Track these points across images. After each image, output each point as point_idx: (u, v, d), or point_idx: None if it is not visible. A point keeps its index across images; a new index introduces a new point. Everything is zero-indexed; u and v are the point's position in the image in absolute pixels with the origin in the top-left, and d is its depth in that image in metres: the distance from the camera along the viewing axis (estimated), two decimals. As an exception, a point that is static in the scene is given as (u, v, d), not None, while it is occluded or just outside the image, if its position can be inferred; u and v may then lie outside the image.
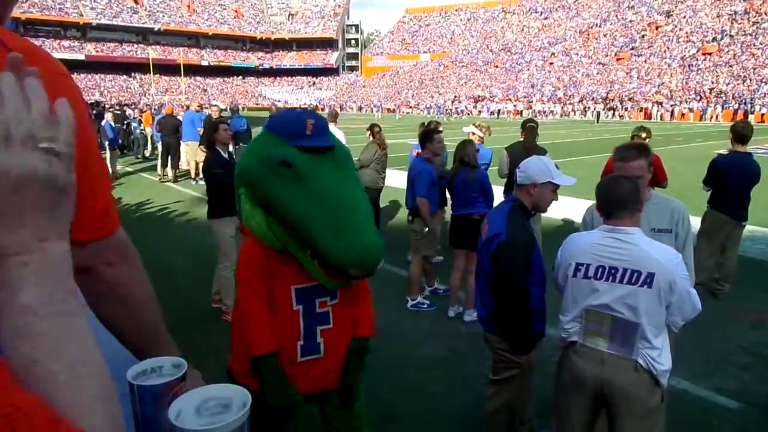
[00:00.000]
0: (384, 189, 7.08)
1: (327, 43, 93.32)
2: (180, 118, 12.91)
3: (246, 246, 1.92)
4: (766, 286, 5.74)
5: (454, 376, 3.89)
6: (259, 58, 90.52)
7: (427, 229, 4.95)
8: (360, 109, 63.27)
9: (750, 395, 3.66)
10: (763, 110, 40.77)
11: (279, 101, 72.40)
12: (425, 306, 5.17)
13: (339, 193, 1.71)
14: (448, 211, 5.37)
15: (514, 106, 56.93)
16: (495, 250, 2.46)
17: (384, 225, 7.87)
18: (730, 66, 50.84)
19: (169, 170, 12.76)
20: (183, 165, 13.29)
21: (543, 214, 6.29)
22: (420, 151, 5.23)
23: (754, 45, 51.99)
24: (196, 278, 5.81)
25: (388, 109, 65.32)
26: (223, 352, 4.24)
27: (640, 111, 47.44)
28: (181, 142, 12.55)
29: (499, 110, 55.79)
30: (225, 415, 0.82)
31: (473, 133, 6.02)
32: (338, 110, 10.69)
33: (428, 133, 5.05)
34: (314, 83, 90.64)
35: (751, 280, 5.81)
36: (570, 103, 54.30)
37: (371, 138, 6.90)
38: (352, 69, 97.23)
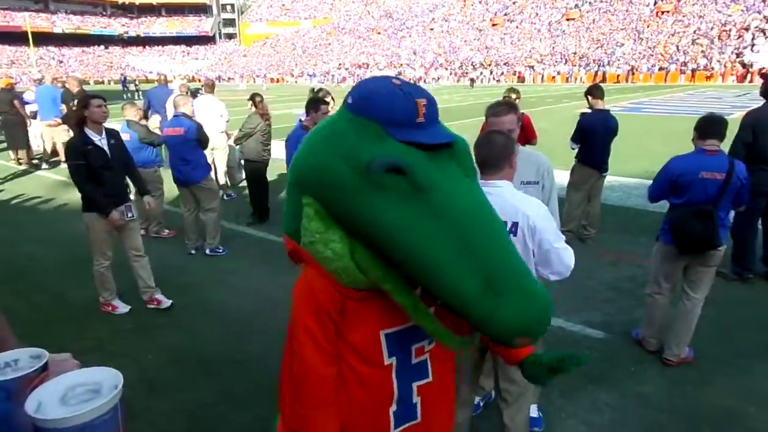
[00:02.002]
0: (271, 161, 6.92)
1: (200, 9, 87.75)
2: (30, 93, 11.43)
3: (306, 280, 1.33)
4: (622, 228, 6.46)
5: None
6: (123, 25, 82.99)
7: None
8: (241, 77, 60.82)
9: (613, 325, 4.14)
10: (618, 71, 45.11)
11: (151, 72, 67.19)
12: None
13: (481, 217, 1.17)
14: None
15: (401, 72, 57.75)
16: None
17: (274, 197, 7.71)
18: (590, 30, 55.39)
19: (22, 153, 11.30)
20: (39, 146, 11.83)
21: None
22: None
23: (610, 11, 56.95)
24: (68, 272, 5.35)
25: (273, 79, 63.33)
26: (106, 345, 4.05)
27: (515, 75, 50.36)
28: (29, 120, 11.10)
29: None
30: (94, 401, 0.77)
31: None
32: (214, 81, 10.08)
33: (315, 102, 4.98)
34: (189, 53, 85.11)
35: (610, 224, 6.50)
36: (451, 69, 56.14)
37: (253, 108, 6.67)
38: (230, 37, 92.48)
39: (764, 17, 45.08)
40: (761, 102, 4.75)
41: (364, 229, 1.18)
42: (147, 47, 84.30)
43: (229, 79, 65.71)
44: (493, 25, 64.79)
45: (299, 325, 1.33)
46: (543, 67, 50.66)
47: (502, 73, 51.49)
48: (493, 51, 58.40)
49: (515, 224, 2.07)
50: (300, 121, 5.05)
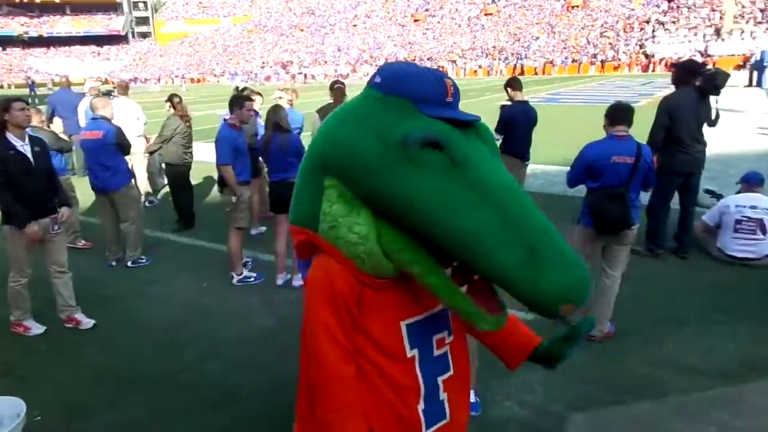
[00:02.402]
0: (193, 164, 6.66)
1: (109, 7, 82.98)
2: None
3: (322, 269, 1.25)
4: (546, 214, 6.71)
5: (287, 344, 3.88)
6: (23, 25, 76.98)
7: (235, 198, 4.80)
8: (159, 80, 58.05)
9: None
10: (535, 64, 47.07)
11: (57, 75, 62.85)
12: (252, 279, 5.05)
13: (516, 190, 1.15)
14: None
15: (334, 70, 57.27)
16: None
17: (199, 202, 7.43)
18: (507, 25, 57.39)
19: None
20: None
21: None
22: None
23: (524, 6, 59.25)
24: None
25: (193, 80, 61.03)
26: (16, 369, 3.73)
27: (439, 69, 51.28)
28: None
29: (305, 75, 55.52)
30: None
31: (281, 98, 5.92)
32: (128, 83, 9.56)
33: (238, 99, 4.86)
34: (99, 53, 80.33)
35: (536, 210, 6.76)
36: (377, 65, 56.37)
37: (172, 110, 6.38)
38: (145, 36, 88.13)
39: (662, 11, 48.55)
40: (667, 89, 5.09)
41: (396, 206, 1.14)
42: (52, 48, 78.65)
43: (145, 80, 62.63)
44: (415, 20, 65.67)
45: (316, 321, 1.24)
46: (465, 61, 51.97)
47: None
48: (416, 46, 59.22)
49: None
50: (225, 120, 4.90)
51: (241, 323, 4.25)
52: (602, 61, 44.30)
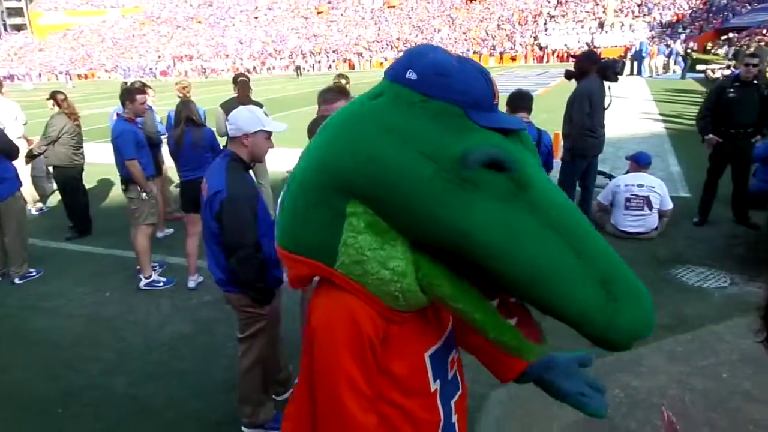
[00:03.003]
0: (86, 166, 6.16)
1: (-25, -4, 74.52)
2: None
3: (341, 311, 1.04)
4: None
5: (203, 348, 3.73)
6: None
7: (145, 194, 4.54)
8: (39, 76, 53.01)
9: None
10: (438, 56, 48.30)
11: None
12: (161, 284, 4.77)
13: (576, 210, 1.00)
14: (175, 178, 4.96)
15: (233, 63, 55.24)
16: (218, 208, 2.37)
17: (95, 206, 6.90)
18: (410, 17, 58.42)
19: None
20: None
21: (270, 169, 6.41)
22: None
23: (425, -1, 60.56)
24: None
25: (81, 76, 56.54)
26: None
27: (345, 62, 51.24)
28: None
29: (205, 69, 53.24)
30: None
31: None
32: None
33: (129, 92, 4.59)
34: (-34, 47, 72.11)
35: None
36: (282, 58, 55.24)
37: (56, 108, 5.85)
38: (18, 28, 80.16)
39: (552, 5, 51.62)
40: (560, 79, 5.39)
41: (449, 238, 0.95)
42: None
43: (24, 76, 57.04)
44: (318, 13, 65.03)
45: (336, 373, 1.04)
46: (371, 53, 52.29)
47: (334, 61, 52.07)
48: (321, 39, 58.69)
49: None
50: (118, 115, 4.59)
51: (151, 332, 4.00)
52: (501, 53, 46.38)
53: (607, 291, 0.93)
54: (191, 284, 4.66)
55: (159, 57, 60.58)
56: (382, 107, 1.00)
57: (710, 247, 5.13)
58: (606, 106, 5.38)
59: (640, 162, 5.76)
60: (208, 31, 66.73)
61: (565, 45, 41.58)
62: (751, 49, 12.82)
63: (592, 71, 5.18)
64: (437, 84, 0.95)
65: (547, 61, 42.45)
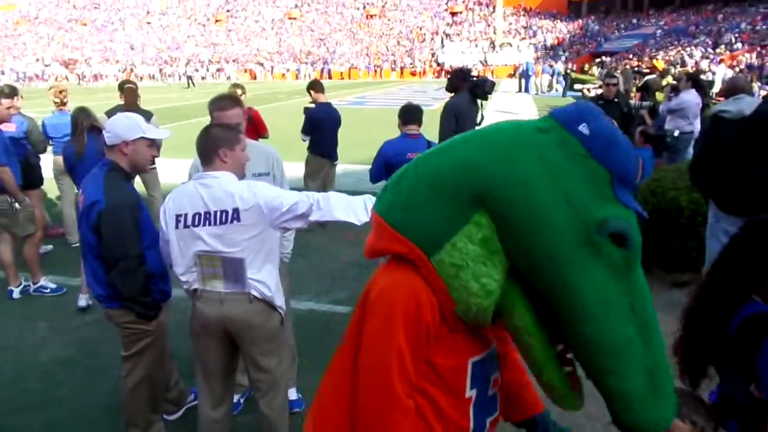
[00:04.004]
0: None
1: None
2: None
3: (409, 292, 1.07)
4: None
5: (86, 372, 3.48)
6: None
7: (17, 204, 4.21)
8: None
9: (358, 299, 4.52)
10: (341, 69, 48.80)
11: None
12: (48, 290, 4.52)
13: (653, 307, 1.07)
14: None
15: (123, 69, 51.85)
16: (96, 219, 2.25)
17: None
18: (312, 30, 58.45)
19: None
20: None
21: (162, 180, 6.13)
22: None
23: (327, 12, 60.94)
24: None
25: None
26: None
27: (245, 72, 50.08)
28: None
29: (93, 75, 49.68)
30: None
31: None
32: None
33: None
34: None
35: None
36: (178, 65, 52.85)
37: None
38: None
39: (447, 23, 54.12)
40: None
41: (553, 282, 1.01)
42: None
43: None
44: (216, 20, 63.10)
45: (389, 346, 1.05)
46: (272, 64, 51.58)
47: (235, 70, 50.72)
48: (220, 47, 56.98)
49: (236, 210, 2.09)
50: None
51: (25, 356, 3.67)
52: (401, 68, 47.75)
53: (652, 382, 1.03)
54: (81, 303, 4.28)
55: (37, 60, 55.51)
56: (547, 142, 1.04)
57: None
58: (478, 122, 5.73)
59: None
60: (95, 35, 62.31)
61: (462, 62, 43.79)
62: (618, 71, 14.32)
63: (463, 88, 5.51)
64: (604, 148, 1.02)
65: (445, 77, 44.32)
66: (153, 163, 4.67)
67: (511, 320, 1.10)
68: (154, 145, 2.51)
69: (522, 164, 1.02)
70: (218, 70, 50.42)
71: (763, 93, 8.15)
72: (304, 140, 6.34)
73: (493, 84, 5.62)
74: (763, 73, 14.37)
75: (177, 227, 2.14)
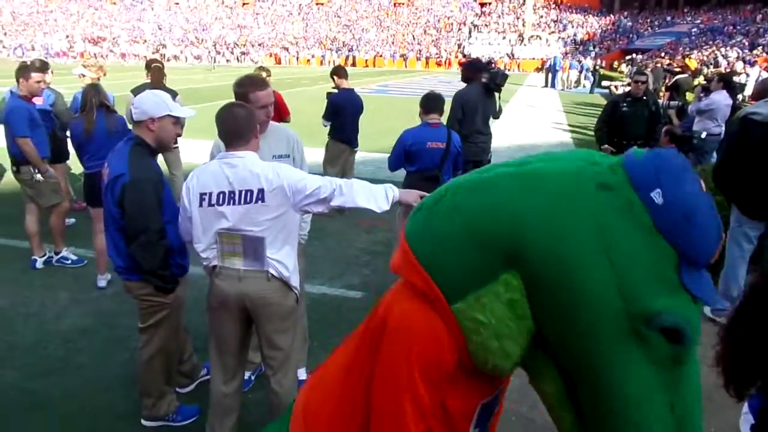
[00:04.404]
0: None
1: None
2: None
3: (431, 332, 0.99)
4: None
5: (104, 341, 3.58)
6: None
7: (39, 175, 4.31)
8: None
9: (370, 285, 4.56)
10: (366, 56, 48.62)
11: None
12: (69, 262, 4.65)
13: (700, 407, 0.95)
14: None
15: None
16: (120, 192, 2.31)
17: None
18: (339, 16, 58.25)
19: None
20: None
21: (183, 160, 6.22)
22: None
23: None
24: None
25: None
26: None
27: (270, 56, 50.20)
28: None
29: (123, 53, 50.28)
30: None
31: (83, 75, 5.26)
32: None
33: (24, 69, 4.33)
34: None
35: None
36: (206, 48, 53.18)
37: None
38: None
39: (476, 14, 53.46)
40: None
41: (580, 368, 0.91)
42: None
43: None
44: (244, 4, 63.25)
45: (403, 390, 0.99)
46: (297, 49, 51.60)
47: (259, 54, 50.89)
48: (246, 30, 57.15)
49: (261, 190, 2.12)
50: (11, 92, 4.30)
51: (46, 323, 3.78)
52: (427, 58, 47.39)
53: None
54: (102, 283, 4.35)
55: (67, 36, 56.35)
56: (610, 206, 0.88)
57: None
58: (496, 114, 5.64)
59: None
60: (124, 14, 62.95)
61: (488, 54, 43.28)
62: (649, 69, 14.03)
63: (477, 79, 5.45)
64: (676, 225, 0.85)
65: (459, 67, 43.80)
66: (176, 141, 4.76)
67: (539, 383, 1.01)
68: (179, 123, 2.55)
69: (571, 230, 0.87)
70: (243, 53, 50.61)
71: (797, 97, 7.95)
72: (325, 126, 6.36)
73: (505, 76, 5.55)
74: (798, 77, 13.98)
75: (201, 205, 2.17)
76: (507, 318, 0.94)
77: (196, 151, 6.98)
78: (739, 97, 9.96)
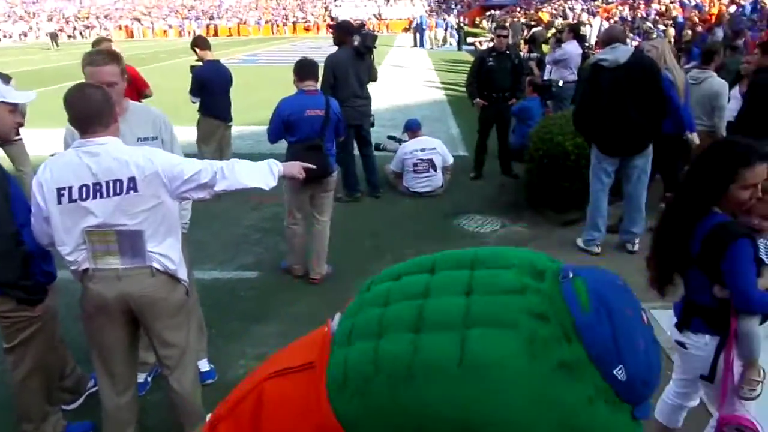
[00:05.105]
0: None
1: None
2: None
3: None
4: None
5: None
6: None
7: None
8: None
9: (263, 263, 4.44)
10: (229, 24, 46.09)
11: None
12: None
13: None
14: None
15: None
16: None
17: None
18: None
19: None
20: None
21: (31, 154, 5.52)
22: None
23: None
24: None
25: None
26: None
27: (120, 29, 45.73)
28: None
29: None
30: None
31: None
32: None
33: None
34: None
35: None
36: (37, 24, 47.07)
37: None
38: None
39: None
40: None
41: None
42: None
43: None
44: (82, -30, 56.65)
45: None
46: (151, 20, 47.53)
47: (105, 28, 46.13)
48: (87, 1, 51.39)
49: (131, 179, 1.93)
50: None
51: None
52: (293, 23, 46.04)
53: None
54: None
55: None
56: (576, 399, 0.82)
57: (484, 197, 5.91)
58: (371, 77, 5.63)
59: (413, 128, 6.40)
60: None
61: (355, 17, 43.03)
62: (508, 24, 14.82)
63: (348, 43, 5.42)
64: (637, 391, 0.85)
65: (328, 31, 43.44)
66: (18, 133, 4.16)
67: None
68: (18, 110, 2.20)
69: (515, 401, 0.82)
70: (87, 27, 45.54)
71: (635, 43, 8.88)
72: (193, 102, 5.95)
73: (375, 37, 5.58)
74: (634, 25, 15.56)
75: (60, 202, 1.92)
76: None
77: (45, 142, 6.21)
78: (586, 45, 10.88)
